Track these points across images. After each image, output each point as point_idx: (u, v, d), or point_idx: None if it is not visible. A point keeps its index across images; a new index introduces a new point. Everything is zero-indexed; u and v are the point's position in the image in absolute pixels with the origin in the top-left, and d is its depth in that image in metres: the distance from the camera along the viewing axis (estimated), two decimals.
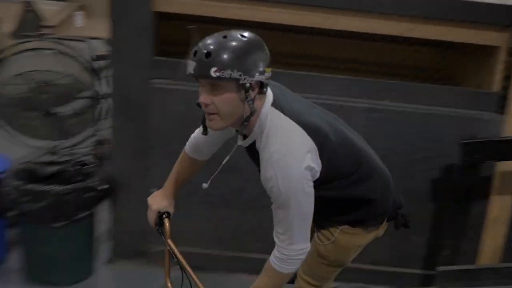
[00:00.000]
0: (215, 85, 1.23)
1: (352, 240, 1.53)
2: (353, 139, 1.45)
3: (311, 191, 1.30)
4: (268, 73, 1.27)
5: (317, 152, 1.30)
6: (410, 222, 1.61)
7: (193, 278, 1.39)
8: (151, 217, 1.55)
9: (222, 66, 1.20)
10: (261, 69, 1.25)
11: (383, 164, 1.56)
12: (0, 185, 2.27)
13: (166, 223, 1.48)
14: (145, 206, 1.56)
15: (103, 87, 2.97)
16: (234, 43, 1.22)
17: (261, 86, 1.29)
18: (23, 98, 2.78)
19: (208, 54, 1.20)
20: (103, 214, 2.52)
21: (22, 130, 2.91)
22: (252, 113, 1.28)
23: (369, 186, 1.47)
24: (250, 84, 1.25)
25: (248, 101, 1.26)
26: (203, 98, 1.25)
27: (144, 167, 2.40)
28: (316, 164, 1.30)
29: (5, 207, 2.26)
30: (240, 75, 1.22)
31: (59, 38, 3.05)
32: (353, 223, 1.51)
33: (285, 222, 1.32)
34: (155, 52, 2.31)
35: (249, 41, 1.25)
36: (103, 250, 2.56)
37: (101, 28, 3.06)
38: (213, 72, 1.20)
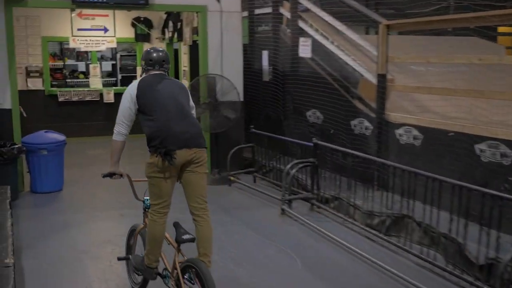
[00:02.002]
0: None
1: (148, 158, 3.91)
2: (163, 104, 3.90)
3: (129, 102, 3.94)
4: (143, 64, 4.15)
5: (135, 90, 3.93)
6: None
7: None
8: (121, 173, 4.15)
9: None
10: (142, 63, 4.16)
11: (179, 120, 3.89)
12: None
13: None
14: None
15: None
16: None
17: (144, 69, 4.16)
18: None
19: None
20: None
21: None
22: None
23: (150, 125, 3.87)
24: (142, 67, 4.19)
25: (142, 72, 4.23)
26: None
27: None
28: (134, 94, 3.92)
29: None
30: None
31: None
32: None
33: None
34: None
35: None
36: None
37: None
38: None
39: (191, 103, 4.16)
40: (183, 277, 3.74)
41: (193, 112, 4.18)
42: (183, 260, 3.82)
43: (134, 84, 4.04)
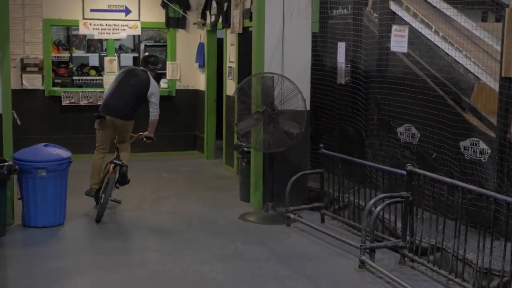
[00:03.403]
0: None
1: None
2: (118, 85, 8.93)
3: (116, 76, 9.80)
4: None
5: (121, 71, 9.62)
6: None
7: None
8: None
9: None
10: None
11: (116, 99, 8.80)
12: None
13: None
14: None
15: None
16: None
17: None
18: None
19: None
20: None
21: None
22: None
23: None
24: None
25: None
26: None
27: None
28: (119, 73, 9.83)
29: None
30: None
31: None
32: None
33: None
34: None
35: None
36: None
37: None
38: None
39: (149, 96, 8.82)
40: (106, 184, 8.46)
41: (153, 101, 8.86)
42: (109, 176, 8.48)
43: (126, 67, 9.76)
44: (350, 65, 8.95)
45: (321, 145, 8.45)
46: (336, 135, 9.20)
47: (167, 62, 12.99)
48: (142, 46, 13.88)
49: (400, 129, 7.92)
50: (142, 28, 12.74)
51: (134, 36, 13.64)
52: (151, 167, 11.53)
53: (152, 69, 9.05)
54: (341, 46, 9.04)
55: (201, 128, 12.89)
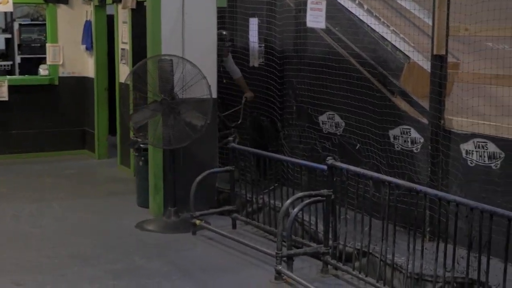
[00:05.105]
0: None
1: None
2: None
3: None
4: None
5: None
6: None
7: None
8: None
9: None
10: None
11: None
12: None
13: None
14: None
15: None
16: None
17: None
18: None
19: None
20: None
21: None
22: None
23: None
24: None
25: None
26: None
27: None
28: None
29: None
30: None
31: None
32: None
33: None
34: None
35: None
36: None
37: None
38: None
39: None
40: None
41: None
42: None
43: None
44: (263, 45, 9.05)
45: (231, 138, 8.53)
46: (247, 127, 9.30)
47: (47, 45, 12.82)
48: (16, 25, 13.68)
49: (322, 118, 8.07)
50: (14, 3, 12.45)
51: (5, 13, 13.43)
52: (31, 171, 11.39)
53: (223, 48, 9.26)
54: (253, 23, 9.13)
55: (90, 122, 12.78)
